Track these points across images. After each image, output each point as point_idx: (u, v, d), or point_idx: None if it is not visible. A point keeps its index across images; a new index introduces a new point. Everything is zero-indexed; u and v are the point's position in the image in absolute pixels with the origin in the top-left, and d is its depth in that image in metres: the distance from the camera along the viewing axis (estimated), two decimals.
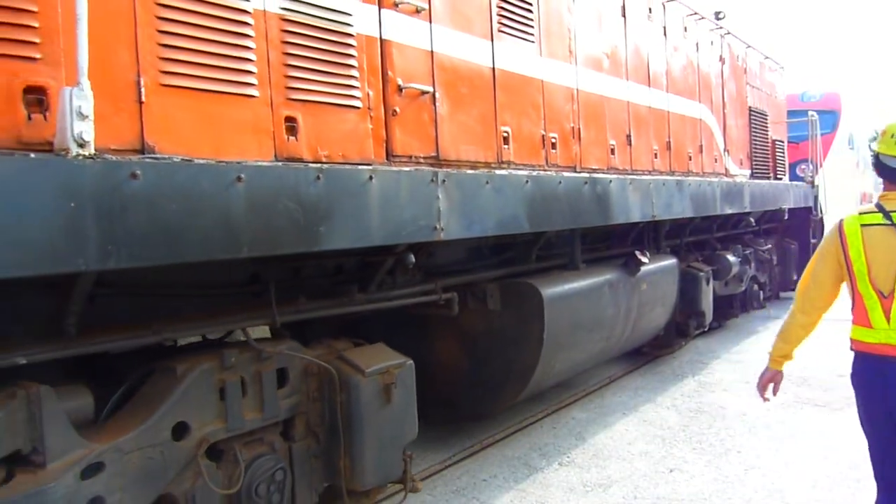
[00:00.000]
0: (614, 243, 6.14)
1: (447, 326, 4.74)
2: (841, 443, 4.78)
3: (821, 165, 11.10)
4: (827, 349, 7.39)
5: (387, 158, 3.68)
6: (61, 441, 2.35)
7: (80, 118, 1.98)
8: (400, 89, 3.77)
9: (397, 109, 3.76)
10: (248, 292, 3.24)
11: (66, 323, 2.41)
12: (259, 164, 2.59)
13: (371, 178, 3.01)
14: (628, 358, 7.26)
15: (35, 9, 2.30)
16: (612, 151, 5.89)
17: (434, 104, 4.01)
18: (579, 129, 5.42)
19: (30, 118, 2.26)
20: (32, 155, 1.95)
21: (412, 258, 3.51)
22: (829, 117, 12.63)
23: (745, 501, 4.02)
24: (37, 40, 2.30)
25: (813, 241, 11.20)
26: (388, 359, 3.40)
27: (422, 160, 3.90)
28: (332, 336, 3.52)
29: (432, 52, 4.02)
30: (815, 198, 10.75)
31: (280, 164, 2.80)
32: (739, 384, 6.40)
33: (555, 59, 5.15)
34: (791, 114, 11.32)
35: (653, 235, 6.57)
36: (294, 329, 3.51)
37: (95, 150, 2.15)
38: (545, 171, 4.89)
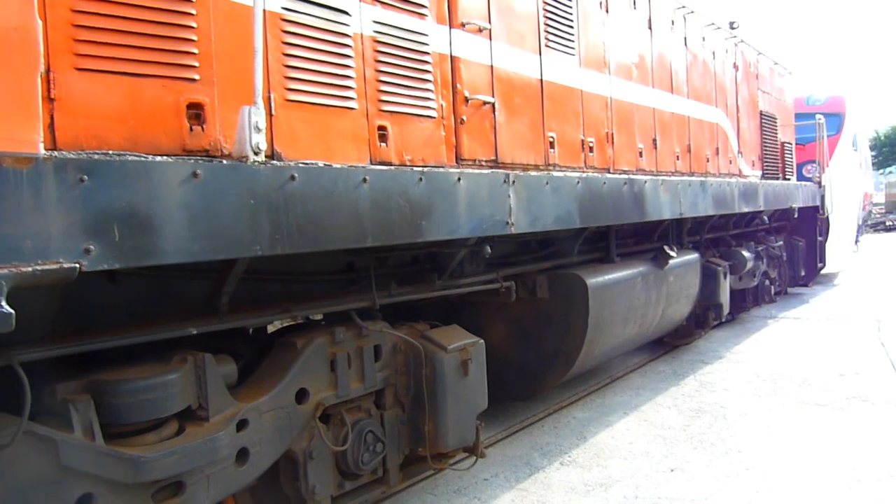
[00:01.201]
0: (642, 239, 6.60)
1: (497, 313, 5.20)
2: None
3: (826, 166, 11.58)
4: (827, 349, 7.60)
5: (456, 162, 4.15)
6: (219, 400, 2.82)
7: (256, 131, 2.44)
8: (466, 100, 4.24)
9: (464, 118, 4.22)
10: (347, 279, 3.70)
11: (219, 302, 2.87)
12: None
13: (459, 179, 3.48)
14: (650, 347, 7.68)
15: (195, 38, 2.76)
16: (641, 154, 6.35)
17: (494, 113, 4.47)
18: (613, 134, 5.89)
19: (191, 129, 2.73)
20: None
21: (489, 249, 3.98)
22: (834, 120, 13.11)
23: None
24: (196, 64, 2.76)
25: (819, 238, 11.72)
26: (463, 338, 3.87)
27: (483, 163, 4.37)
28: (410, 319, 3.97)
29: (492, 66, 4.48)
30: (822, 197, 11.23)
31: (392, 167, 3.27)
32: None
33: (592, 70, 5.61)
34: (797, 116, 11.79)
35: (676, 232, 7.03)
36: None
37: (239, 157, 2.62)
38: (584, 172, 5.36)
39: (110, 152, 2.14)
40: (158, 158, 2.21)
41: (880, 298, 11.01)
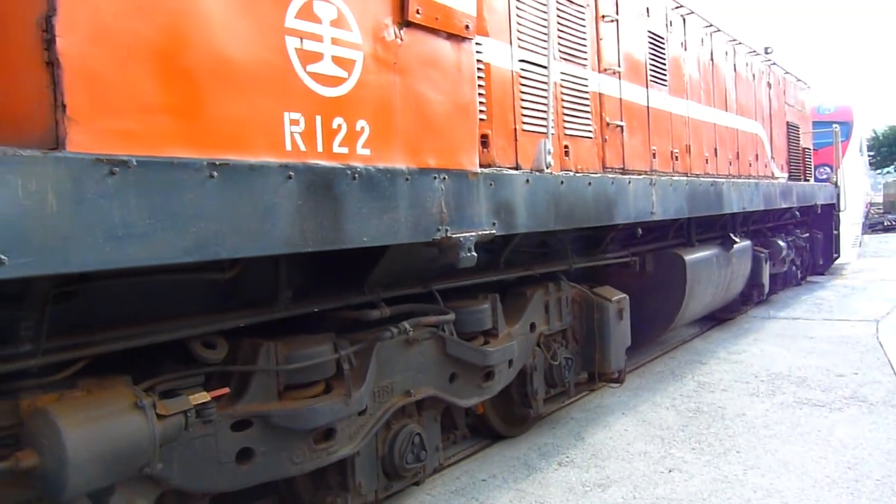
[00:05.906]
0: (707, 229, 8.23)
1: (610, 282, 6.80)
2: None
3: (839, 169, 13.27)
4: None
5: (602, 169, 5.75)
6: (501, 324, 4.42)
7: (548, 153, 4.04)
8: (607, 125, 5.85)
9: (606, 138, 5.83)
10: (541, 252, 5.32)
11: (500, 262, 4.48)
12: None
13: (630, 182, 5.09)
14: (701, 321, 9.09)
15: (484, 91, 4.34)
16: (707, 161, 7.98)
17: (622, 133, 6.08)
18: (690, 145, 7.51)
19: (482, 150, 4.33)
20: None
21: (640, 231, 5.59)
22: (844, 127, 14.80)
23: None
24: (484, 108, 4.35)
25: (835, 232, 13.39)
26: (617, 294, 5.49)
27: (616, 170, 5.97)
28: (575, 281, 5.58)
29: (621, 98, 6.09)
30: (838, 196, 12.92)
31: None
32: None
33: (676, 97, 7.24)
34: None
35: (732, 224, 8.66)
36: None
37: (500, 167, 4.22)
38: (673, 176, 6.97)
39: (495, 167, 3.74)
40: (514, 172, 3.81)
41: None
